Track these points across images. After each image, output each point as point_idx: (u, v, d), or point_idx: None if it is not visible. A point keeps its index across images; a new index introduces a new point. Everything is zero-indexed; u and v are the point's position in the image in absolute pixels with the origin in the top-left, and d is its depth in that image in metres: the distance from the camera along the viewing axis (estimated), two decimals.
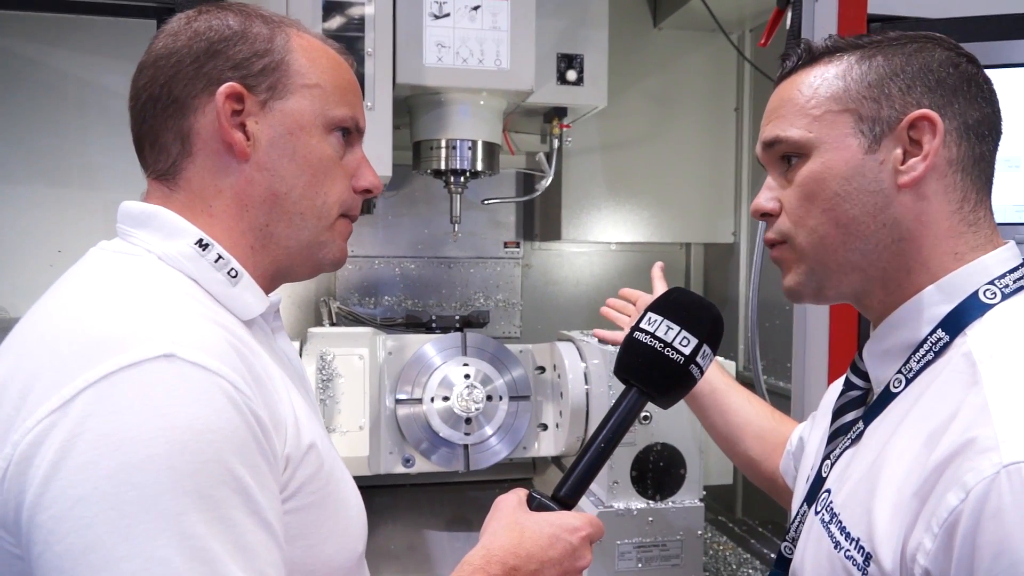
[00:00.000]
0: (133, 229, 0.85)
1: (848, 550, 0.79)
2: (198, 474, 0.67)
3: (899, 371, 0.85)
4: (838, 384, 1.02)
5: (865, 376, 0.93)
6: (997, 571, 0.66)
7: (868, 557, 0.76)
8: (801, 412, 1.49)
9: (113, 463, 0.65)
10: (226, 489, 0.68)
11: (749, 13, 2.21)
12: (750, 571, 1.86)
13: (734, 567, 1.89)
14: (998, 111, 0.88)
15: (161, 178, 0.87)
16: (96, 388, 0.67)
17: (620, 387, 1.64)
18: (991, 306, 0.81)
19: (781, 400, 1.84)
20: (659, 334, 0.93)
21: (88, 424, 0.66)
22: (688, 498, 1.70)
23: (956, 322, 0.82)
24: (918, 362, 0.84)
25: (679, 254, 2.58)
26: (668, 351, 0.93)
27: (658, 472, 1.68)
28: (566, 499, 0.94)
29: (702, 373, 0.95)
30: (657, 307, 0.96)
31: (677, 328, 0.93)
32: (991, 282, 0.82)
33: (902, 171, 0.83)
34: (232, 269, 0.84)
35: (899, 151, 0.83)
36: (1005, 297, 0.82)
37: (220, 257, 0.84)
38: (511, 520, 0.90)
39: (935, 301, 0.84)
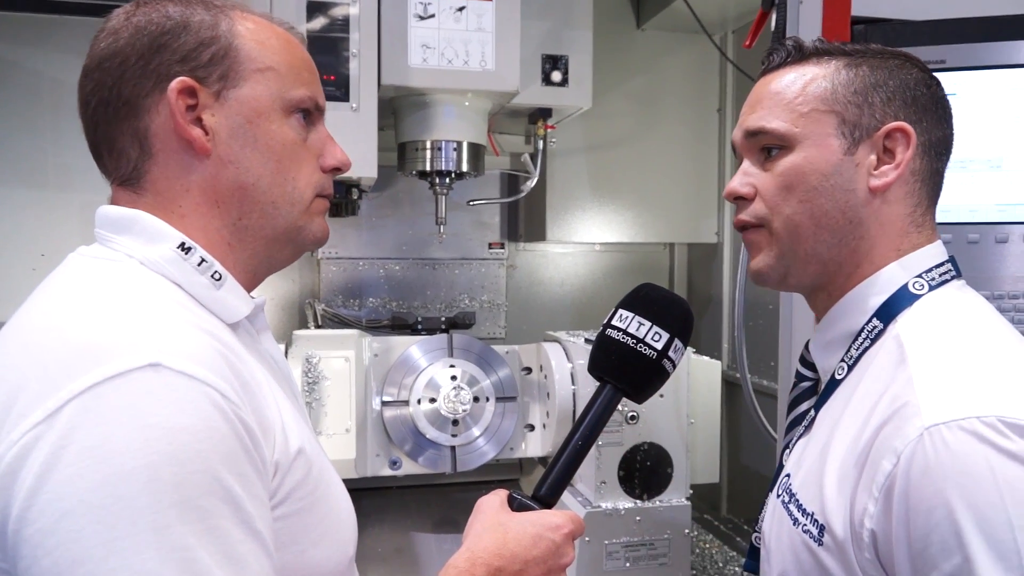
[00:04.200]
0: (113, 235, 0.82)
1: (805, 525, 0.85)
2: (186, 484, 0.66)
3: (842, 359, 0.92)
4: None
5: (813, 367, 1.00)
6: (932, 524, 0.72)
7: (822, 529, 0.82)
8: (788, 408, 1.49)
9: (100, 475, 0.64)
10: (214, 499, 0.67)
11: (732, 14, 2.22)
12: (736, 569, 1.87)
13: (720, 565, 1.90)
14: (953, 134, 0.95)
15: (125, 184, 0.84)
16: (82, 399, 0.66)
17: None
18: (919, 296, 0.89)
19: (765, 399, 1.85)
20: (631, 330, 0.94)
21: (74, 436, 0.64)
22: (675, 497, 1.71)
23: (888, 311, 0.90)
24: (857, 349, 0.91)
25: (663, 254, 2.59)
26: (641, 347, 0.94)
27: (645, 471, 1.69)
28: (547, 498, 0.94)
29: (675, 367, 0.97)
30: (627, 304, 0.97)
31: (648, 324, 0.94)
32: (919, 275, 0.90)
33: (874, 175, 0.90)
34: (216, 272, 0.82)
35: (873, 157, 0.90)
36: (932, 288, 0.90)
37: (203, 260, 0.82)
38: (494, 521, 0.90)
39: (871, 293, 0.91)
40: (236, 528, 0.68)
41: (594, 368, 0.98)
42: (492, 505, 0.93)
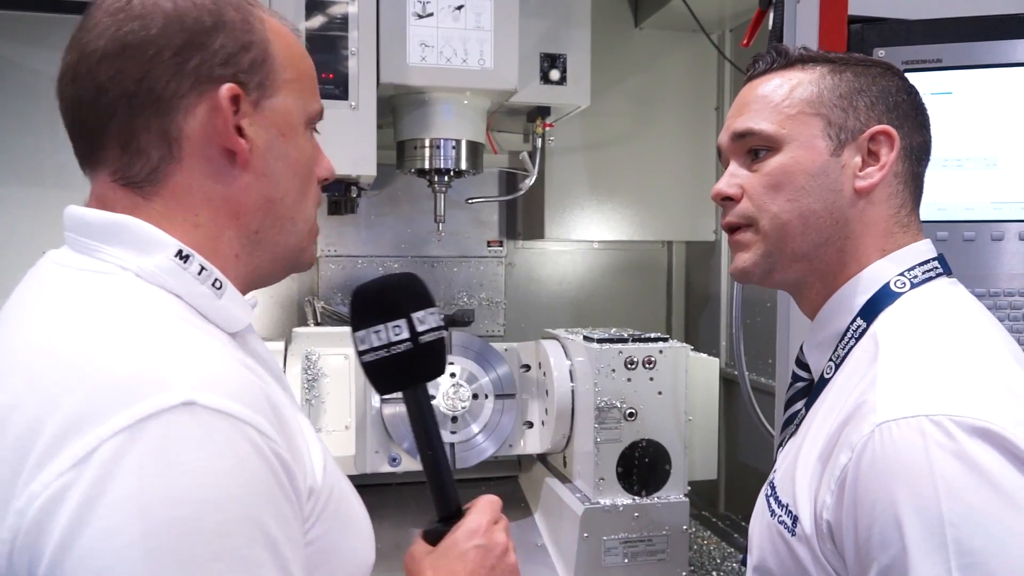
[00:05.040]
0: (100, 243, 0.74)
1: (780, 516, 0.89)
2: (229, 535, 0.62)
3: (830, 359, 0.96)
4: None
5: (808, 368, 1.03)
6: (875, 516, 0.75)
7: (796, 519, 0.86)
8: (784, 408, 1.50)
9: (137, 529, 0.59)
10: (258, 548, 0.64)
11: (729, 13, 2.23)
12: (734, 564, 1.88)
13: (718, 561, 1.91)
14: (931, 140, 0.99)
15: (134, 184, 0.76)
16: (112, 444, 0.60)
17: (606, 383, 1.67)
18: (900, 294, 0.91)
19: (763, 396, 1.86)
20: (375, 344, 0.90)
21: (107, 486, 0.59)
22: (673, 493, 1.72)
23: (871, 309, 0.92)
24: (843, 348, 0.93)
25: (661, 252, 2.60)
26: (395, 349, 0.89)
27: (644, 468, 1.70)
28: (448, 513, 0.93)
29: (438, 329, 0.92)
30: (355, 323, 0.92)
31: (380, 326, 0.90)
32: (901, 273, 0.92)
33: (860, 177, 0.93)
34: (216, 280, 0.77)
35: (858, 159, 0.93)
36: (914, 286, 0.92)
37: (203, 268, 0.76)
38: (421, 568, 0.90)
39: (856, 292, 0.94)
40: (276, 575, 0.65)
41: (383, 391, 0.96)
42: (414, 555, 0.92)
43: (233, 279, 0.80)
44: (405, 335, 0.89)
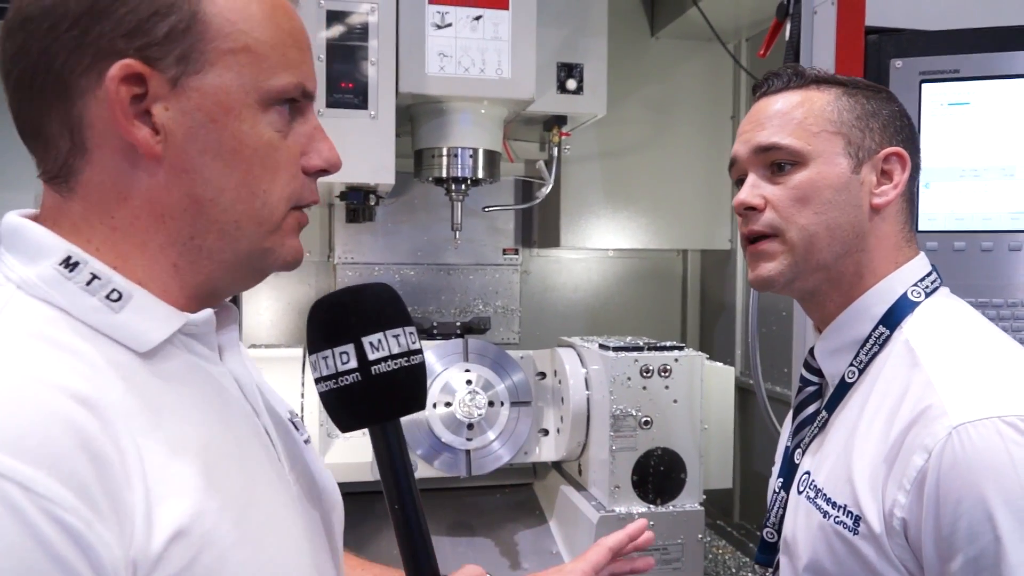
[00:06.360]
0: (4, 250, 0.66)
1: (837, 516, 0.93)
2: None
3: (851, 364, 1.01)
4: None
5: (818, 372, 1.08)
6: (961, 512, 0.81)
7: (857, 519, 0.90)
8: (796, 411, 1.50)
9: None
10: None
11: (745, 23, 2.23)
12: (749, 574, 1.87)
13: (733, 571, 1.90)
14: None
15: (52, 181, 0.67)
16: None
17: (621, 391, 1.68)
18: (918, 303, 0.99)
19: (778, 405, 1.86)
20: (325, 372, 0.74)
21: None
22: (688, 502, 1.72)
23: (893, 318, 0.99)
24: (866, 354, 1.00)
25: (676, 261, 2.60)
26: (343, 380, 0.73)
27: (659, 476, 1.70)
28: None
29: (403, 357, 0.74)
30: (307, 345, 0.77)
31: (328, 351, 0.74)
32: (915, 284, 1.00)
33: (876, 194, 1.00)
34: (113, 291, 0.65)
35: (873, 177, 1.00)
36: (927, 295, 1.00)
37: (95, 277, 0.64)
38: None
39: (874, 303, 1.01)
40: None
41: (344, 427, 0.78)
42: None
43: (176, 291, 0.69)
44: (353, 364, 0.73)
